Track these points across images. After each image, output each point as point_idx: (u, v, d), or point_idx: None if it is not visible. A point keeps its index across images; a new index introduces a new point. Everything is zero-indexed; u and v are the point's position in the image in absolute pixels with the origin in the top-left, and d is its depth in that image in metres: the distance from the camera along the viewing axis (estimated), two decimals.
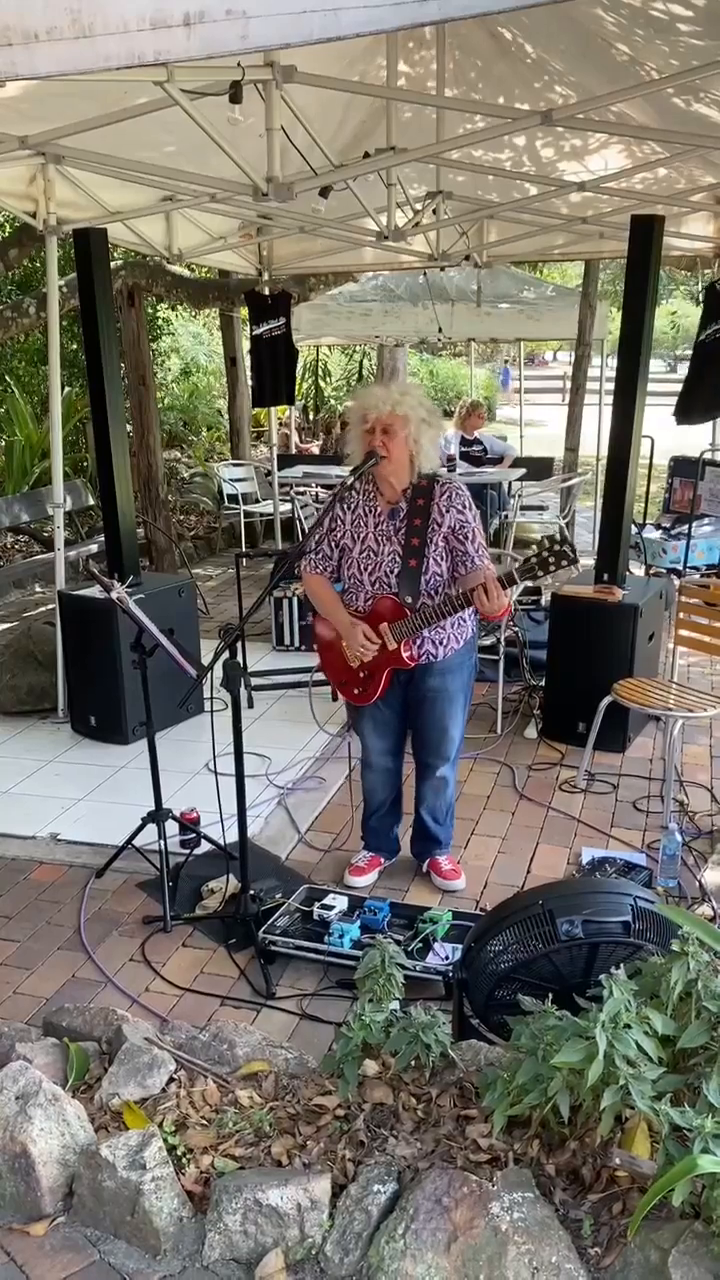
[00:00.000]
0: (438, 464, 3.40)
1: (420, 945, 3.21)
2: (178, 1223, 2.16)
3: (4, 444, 10.24)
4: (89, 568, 3.98)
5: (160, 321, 12.70)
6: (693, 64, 3.98)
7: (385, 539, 3.36)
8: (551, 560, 3.10)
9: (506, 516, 8.62)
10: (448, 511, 3.32)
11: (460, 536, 3.33)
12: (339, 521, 3.44)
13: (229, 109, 3.64)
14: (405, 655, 3.36)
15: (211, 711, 5.05)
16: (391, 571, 3.34)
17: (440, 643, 3.43)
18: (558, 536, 3.16)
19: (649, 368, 4.84)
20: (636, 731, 5.00)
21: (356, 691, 3.52)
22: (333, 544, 3.47)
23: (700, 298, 6.15)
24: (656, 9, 3.81)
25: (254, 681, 5.58)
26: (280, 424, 11.55)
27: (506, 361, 20.34)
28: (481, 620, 3.45)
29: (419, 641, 3.40)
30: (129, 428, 7.82)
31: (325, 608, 3.51)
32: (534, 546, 3.22)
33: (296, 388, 10.50)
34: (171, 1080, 2.51)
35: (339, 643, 3.50)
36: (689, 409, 6.30)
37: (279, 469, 9.27)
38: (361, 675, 3.47)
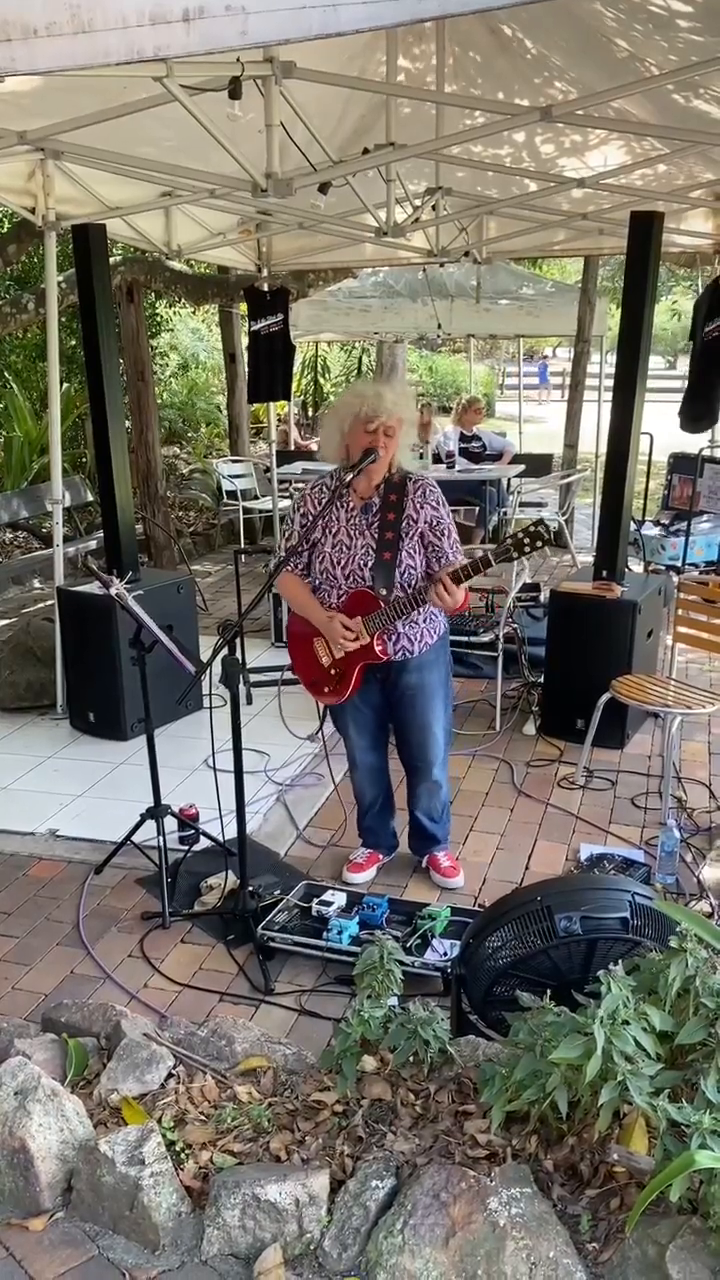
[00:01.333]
0: (413, 462, 3.43)
1: (419, 941, 3.21)
2: (176, 1218, 2.17)
3: (3, 440, 10.22)
4: (87, 564, 3.98)
5: (159, 318, 12.69)
6: (692, 60, 3.98)
7: (358, 533, 3.36)
8: (526, 541, 3.09)
9: (505, 513, 8.62)
10: (423, 508, 3.34)
11: (437, 533, 3.36)
12: (308, 516, 3.43)
13: (228, 105, 3.63)
14: (378, 649, 3.36)
15: (210, 708, 5.04)
16: (365, 564, 3.34)
17: (415, 638, 3.44)
18: (538, 520, 3.17)
19: (648, 364, 4.84)
20: (635, 728, 5.00)
21: (328, 690, 3.50)
22: (305, 540, 3.45)
23: (699, 288, 6.15)
24: (656, 5, 3.80)
25: (253, 678, 5.58)
26: (279, 420, 11.54)
27: (546, 358, 20.31)
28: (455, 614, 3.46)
29: (394, 637, 3.40)
30: (128, 424, 7.82)
31: (300, 604, 3.47)
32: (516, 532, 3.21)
33: (295, 384, 10.49)
34: (170, 1076, 2.51)
35: (310, 641, 3.49)
36: (697, 414, 6.26)
37: (278, 465, 9.27)
38: (333, 673, 3.46)
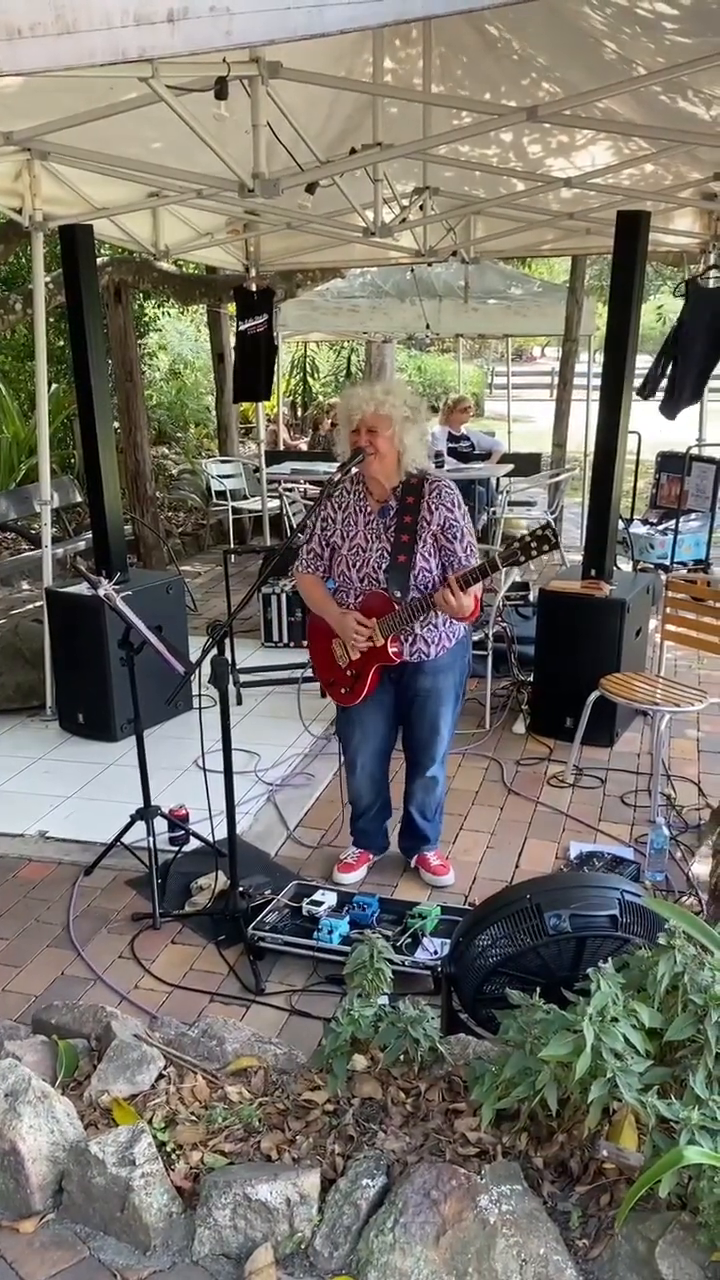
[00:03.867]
0: (426, 460, 3.41)
1: (409, 940, 3.22)
2: (167, 1218, 2.17)
3: None
4: (76, 565, 3.97)
5: (147, 318, 12.67)
6: (678, 61, 3.99)
7: (375, 536, 3.37)
8: (534, 545, 3.12)
9: (495, 512, 8.63)
10: (436, 509, 3.33)
11: (449, 535, 3.35)
12: (330, 521, 3.45)
13: (215, 105, 3.63)
14: (391, 651, 3.37)
15: (200, 708, 5.04)
16: (380, 567, 3.35)
17: (432, 641, 3.43)
18: (542, 522, 3.19)
19: (635, 363, 4.86)
20: (624, 726, 5.02)
21: (344, 691, 3.51)
22: (324, 543, 3.48)
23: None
24: (643, 8, 3.82)
25: (242, 678, 5.58)
26: (268, 420, 11.54)
27: (536, 357, 20.09)
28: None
29: (409, 639, 3.40)
30: (116, 424, 7.81)
31: (316, 603, 3.51)
32: (518, 534, 3.25)
33: (285, 384, 10.48)
34: (161, 1077, 2.51)
35: (329, 641, 3.50)
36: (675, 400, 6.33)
37: (267, 465, 9.27)
38: (349, 674, 3.47)
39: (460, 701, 3.65)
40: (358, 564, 3.39)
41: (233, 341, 7.92)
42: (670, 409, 6.35)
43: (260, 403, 8.66)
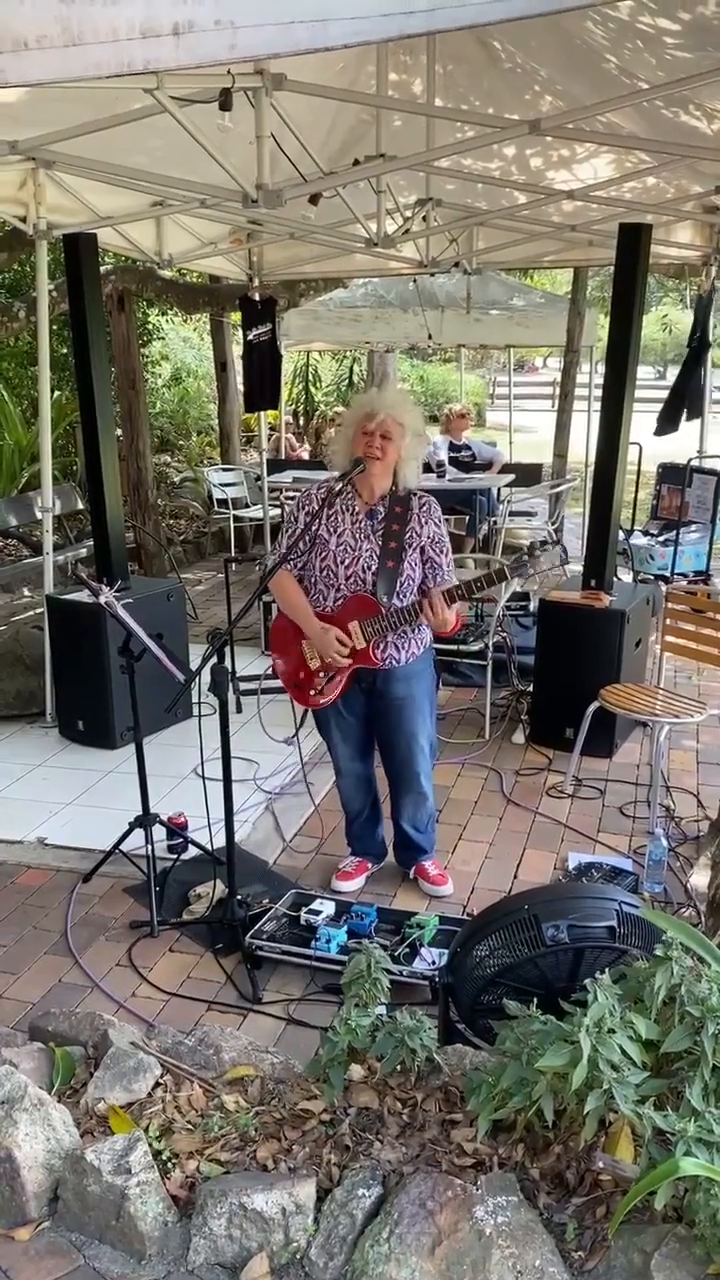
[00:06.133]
0: (416, 481, 3.48)
1: (407, 950, 3.21)
2: (163, 1227, 2.16)
3: None
4: (77, 572, 3.98)
5: (150, 327, 12.71)
6: (679, 76, 4.01)
7: (364, 536, 3.40)
8: (538, 550, 3.31)
9: (496, 522, 8.65)
10: (426, 523, 3.41)
11: (437, 549, 3.43)
12: (315, 517, 3.46)
13: (219, 116, 3.65)
14: (374, 654, 3.39)
15: (199, 716, 5.04)
16: (369, 568, 3.38)
17: (403, 647, 3.46)
18: (543, 537, 3.31)
19: (637, 374, 4.87)
20: (624, 737, 5.02)
21: (313, 693, 3.50)
22: (307, 539, 3.45)
23: (687, 299, 6.27)
24: (644, 23, 3.84)
25: (242, 686, 5.58)
26: (271, 429, 11.56)
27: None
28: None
29: (382, 645, 3.42)
30: (119, 432, 7.83)
31: (294, 609, 3.46)
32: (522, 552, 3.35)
33: (288, 393, 10.49)
34: (157, 1085, 2.51)
35: (298, 642, 3.49)
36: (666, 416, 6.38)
37: (269, 474, 9.29)
38: (322, 675, 3.47)
39: (434, 709, 3.66)
40: (346, 560, 3.40)
41: (238, 350, 7.95)
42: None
43: (263, 411, 8.68)
